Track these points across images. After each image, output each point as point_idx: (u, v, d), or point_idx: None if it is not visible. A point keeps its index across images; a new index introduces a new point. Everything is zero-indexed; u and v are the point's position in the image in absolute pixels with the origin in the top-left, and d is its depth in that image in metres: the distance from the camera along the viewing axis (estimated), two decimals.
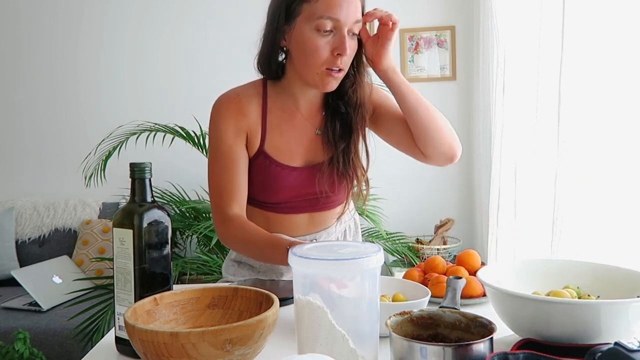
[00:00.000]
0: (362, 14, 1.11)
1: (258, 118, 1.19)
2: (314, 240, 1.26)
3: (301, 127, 1.22)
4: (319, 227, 1.28)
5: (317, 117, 1.23)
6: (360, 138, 1.22)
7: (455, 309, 0.78)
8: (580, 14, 1.85)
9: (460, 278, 0.92)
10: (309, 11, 1.07)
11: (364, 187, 1.26)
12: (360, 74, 1.18)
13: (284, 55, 1.18)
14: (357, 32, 1.10)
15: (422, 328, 0.76)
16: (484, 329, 0.72)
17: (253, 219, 1.24)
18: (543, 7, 2.07)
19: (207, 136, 2.48)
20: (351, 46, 1.10)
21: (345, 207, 1.30)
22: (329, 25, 1.06)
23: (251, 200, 1.24)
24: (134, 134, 2.66)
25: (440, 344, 0.68)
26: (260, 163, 1.20)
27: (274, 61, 1.17)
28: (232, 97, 1.20)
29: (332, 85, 1.12)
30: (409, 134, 1.19)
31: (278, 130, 1.20)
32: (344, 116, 1.19)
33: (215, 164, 1.19)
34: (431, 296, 1.00)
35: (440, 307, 0.80)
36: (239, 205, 1.18)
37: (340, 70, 1.10)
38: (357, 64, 1.17)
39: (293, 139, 1.21)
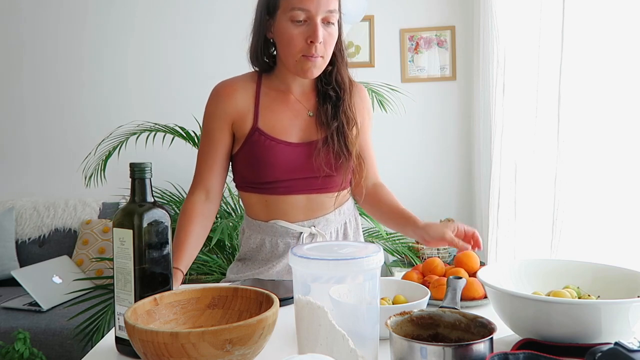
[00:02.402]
0: (339, 5, 1.18)
1: (250, 100, 1.26)
2: (312, 227, 1.28)
3: (294, 107, 1.27)
4: (317, 211, 1.29)
5: (309, 100, 1.28)
6: (351, 118, 1.26)
7: (455, 309, 0.78)
8: (580, 14, 1.85)
9: (460, 278, 0.92)
10: (284, 4, 1.15)
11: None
12: (338, 60, 1.25)
13: (274, 48, 1.25)
14: (332, 21, 1.17)
15: (422, 328, 0.76)
16: (484, 329, 0.72)
17: (252, 205, 1.30)
18: (543, 7, 2.07)
19: None
20: (329, 34, 1.17)
21: (345, 192, 1.32)
22: (301, 15, 1.14)
23: (249, 186, 1.28)
24: (134, 134, 2.66)
25: (440, 344, 0.68)
26: (255, 140, 1.23)
27: (263, 53, 1.26)
28: (226, 84, 1.28)
29: (312, 72, 1.19)
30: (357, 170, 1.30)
31: (271, 109, 1.26)
32: (334, 99, 1.26)
33: (201, 144, 1.29)
34: (432, 298, 1.00)
35: (441, 307, 0.80)
36: (206, 187, 1.26)
37: (317, 57, 1.17)
38: (336, 52, 1.24)
39: (286, 117, 1.26)
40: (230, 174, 1.33)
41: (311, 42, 1.14)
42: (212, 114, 1.26)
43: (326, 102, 1.26)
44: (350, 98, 1.26)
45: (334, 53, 1.23)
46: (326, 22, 1.16)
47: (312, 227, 1.28)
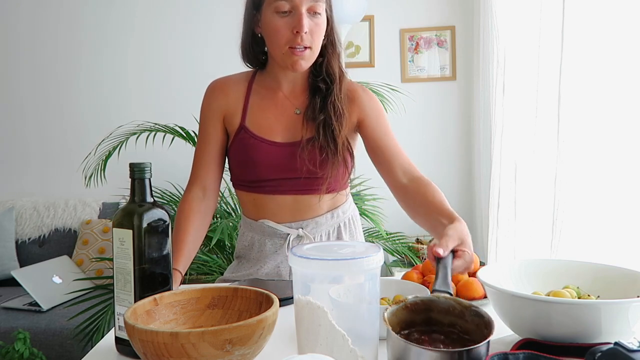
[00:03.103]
0: None
1: (241, 97, 1.26)
2: (300, 229, 1.27)
3: (281, 105, 1.26)
4: (305, 213, 1.27)
5: (299, 98, 1.26)
6: (339, 109, 1.22)
7: (449, 292, 0.77)
8: (580, 14, 1.85)
9: (449, 254, 0.88)
10: None
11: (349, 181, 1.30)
12: (328, 52, 1.24)
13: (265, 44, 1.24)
14: (319, 10, 1.16)
15: (415, 314, 0.75)
16: (479, 318, 0.71)
17: (244, 203, 1.31)
18: (543, 7, 2.07)
19: None
20: (315, 24, 1.15)
21: (336, 194, 1.29)
22: (286, 6, 1.13)
23: (240, 184, 1.29)
24: (134, 134, 2.66)
25: (440, 349, 0.67)
26: (241, 138, 1.24)
27: (253, 49, 1.25)
28: (219, 81, 1.30)
29: (301, 64, 1.17)
30: (379, 162, 1.24)
31: (259, 107, 1.26)
32: (323, 92, 1.24)
33: (197, 142, 1.30)
34: None
35: (433, 290, 0.79)
36: (202, 183, 1.27)
37: (305, 48, 1.15)
38: (328, 44, 1.23)
39: (272, 115, 1.25)
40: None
41: (297, 32, 1.13)
42: (205, 111, 1.28)
43: (316, 96, 1.24)
44: (339, 91, 1.23)
45: (325, 45, 1.22)
46: (312, 11, 1.14)
47: (300, 229, 1.27)
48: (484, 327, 0.69)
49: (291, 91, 1.27)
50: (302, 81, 1.27)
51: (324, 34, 1.19)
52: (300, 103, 1.26)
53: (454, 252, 0.90)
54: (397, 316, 0.73)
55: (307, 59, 1.18)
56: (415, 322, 0.74)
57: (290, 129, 1.24)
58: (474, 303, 1.01)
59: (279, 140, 1.23)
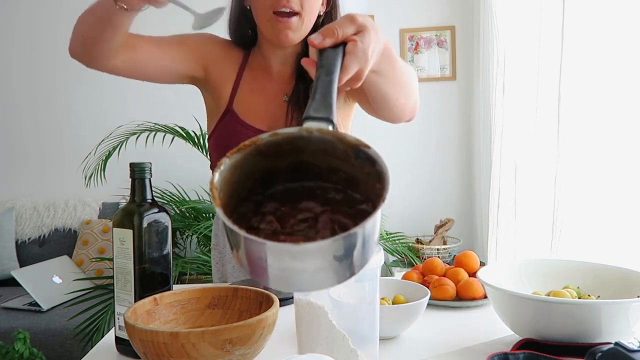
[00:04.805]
0: None
1: (234, 72, 1.17)
2: None
3: (271, 91, 1.18)
4: None
5: (289, 83, 1.18)
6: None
7: (329, 120, 0.48)
8: (580, 14, 1.86)
9: (338, 47, 0.56)
10: None
11: None
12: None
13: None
14: None
15: (276, 159, 0.48)
16: (370, 165, 0.45)
17: None
18: (543, 7, 2.07)
19: (207, 135, 2.48)
20: None
21: None
22: None
23: None
24: (134, 134, 2.66)
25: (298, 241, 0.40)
26: (226, 123, 1.16)
27: (241, 24, 1.16)
28: (224, 39, 1.21)
29: (287, 35, 1.06)
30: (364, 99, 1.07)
31: (249, 88, 1.17)
32: (307, 78, 1.13)
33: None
34: (432, 298, 1.00)
35: (305, 117, 0.49)
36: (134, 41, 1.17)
37: (293, 14, 1.03)
38: (324, 20, 1.13)
39: (262, 99, 1.17)
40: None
41: None
42: (197, 36, 1.17)
43: (299, 82, 1.13)
44: None
45: (322, 22, 1.11)
46: None
47: None
48: (377, 179, 0.45)
49: (281, 74, 1.18)
50: (292, 62, 1.16)
51: (319, 1, 1.08)
52: (289, 89, 1.17)
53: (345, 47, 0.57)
54: (243, 170, 0.46)
55: (296, 29, 1.05)
56: (279, 170, 0.48)
57: (276, 117, 1.15)
58: (474, 302, 1.02)
59: (265, 128, 1.14)
